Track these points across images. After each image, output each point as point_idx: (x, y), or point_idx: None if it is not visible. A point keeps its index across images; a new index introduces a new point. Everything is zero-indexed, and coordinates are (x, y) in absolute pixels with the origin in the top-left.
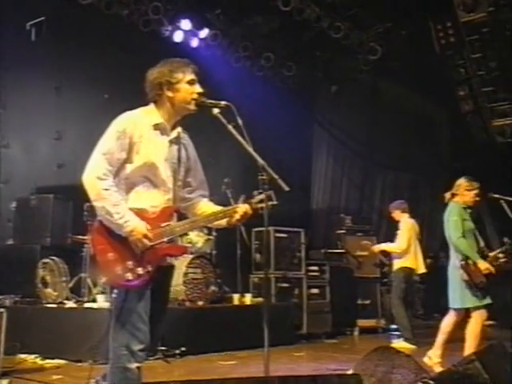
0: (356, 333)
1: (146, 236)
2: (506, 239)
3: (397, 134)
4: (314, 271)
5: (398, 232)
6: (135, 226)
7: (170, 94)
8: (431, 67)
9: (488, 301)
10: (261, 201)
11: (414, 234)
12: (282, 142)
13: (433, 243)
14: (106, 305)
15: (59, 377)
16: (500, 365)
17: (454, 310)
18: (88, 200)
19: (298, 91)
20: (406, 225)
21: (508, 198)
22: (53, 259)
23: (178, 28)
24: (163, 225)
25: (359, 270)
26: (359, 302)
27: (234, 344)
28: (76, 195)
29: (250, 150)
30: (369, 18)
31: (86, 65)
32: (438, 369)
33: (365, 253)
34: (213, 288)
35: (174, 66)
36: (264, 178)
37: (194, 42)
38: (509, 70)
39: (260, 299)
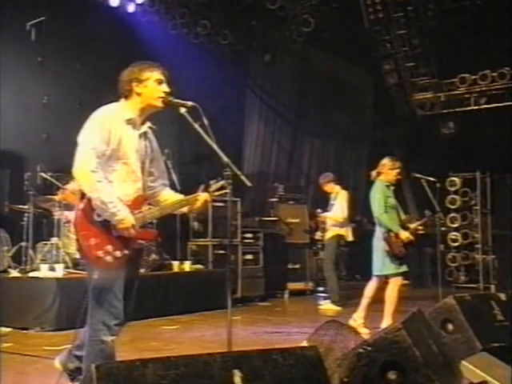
0: (286, 295)
1: (133, 226)
2: (426, 211)
3: (324, 103)
4: (248, 238)
5: (336, 202)
6: (126, 216)
7: (138, 90)
8: (360, 41)
9: (405, 269)
10: (217, 189)
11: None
12: (215, 109)
13: (356, 209)
14: (51, 274)
15: (9, 344)
16: (420, 331)
17: (376, 276)
18: (29, 170)
19: (233, 59)
20: (344, 196)
21: (427, 178)
22: None
23: None
24: (136, 212)
25: (290, 236)
26: (289, 266)
27: (174, 309)
28: (13, 163)
29: (216, 147)
30: None
31: (18, 28)
32: (362, 329)
33: (296, 220)
34: (154, 256)
35: (143, 66)
36: (228, 173)
37: (131, 7)
38: (429, 47)
39: (198, 266)
